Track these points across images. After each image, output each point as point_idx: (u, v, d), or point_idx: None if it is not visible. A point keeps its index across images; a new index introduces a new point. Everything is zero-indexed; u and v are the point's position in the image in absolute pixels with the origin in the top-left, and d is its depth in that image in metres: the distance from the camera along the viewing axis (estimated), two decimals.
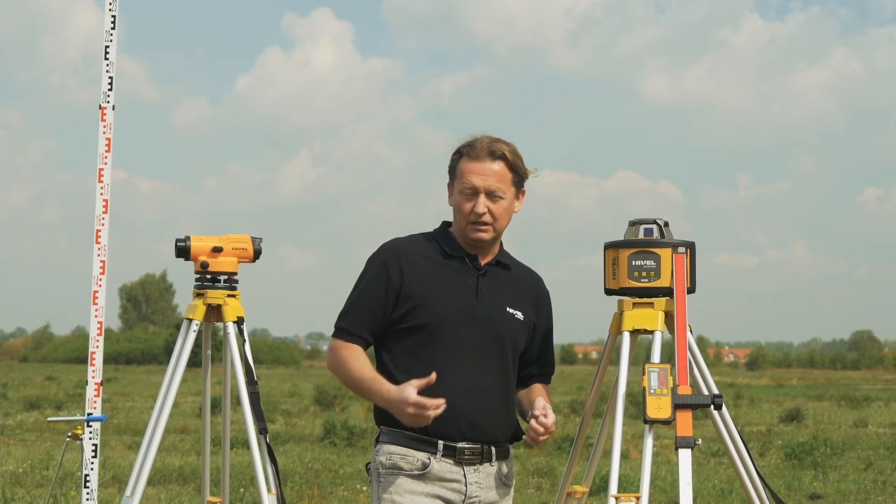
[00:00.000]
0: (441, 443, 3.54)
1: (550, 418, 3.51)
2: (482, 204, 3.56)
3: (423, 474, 3.53)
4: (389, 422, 3.59)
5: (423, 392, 3.43)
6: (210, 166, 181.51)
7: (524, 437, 3.56)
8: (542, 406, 3.53)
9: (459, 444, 3.54)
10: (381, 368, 3.61)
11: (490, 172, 3.57)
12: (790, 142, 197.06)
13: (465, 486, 3.56)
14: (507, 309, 3.64)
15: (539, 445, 3.57)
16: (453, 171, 3.66)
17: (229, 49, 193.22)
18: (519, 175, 3.63)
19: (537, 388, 3.75)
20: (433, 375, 3.41)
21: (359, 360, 3.57)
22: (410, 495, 3.52)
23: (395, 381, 3.55)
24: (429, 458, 3.53)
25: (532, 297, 3.73)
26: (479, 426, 3.56)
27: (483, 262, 3.65)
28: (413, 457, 3.54)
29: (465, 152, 3.61)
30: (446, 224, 3.73)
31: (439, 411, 3.39)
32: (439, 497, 3.54)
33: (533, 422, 3.51)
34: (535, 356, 3.76)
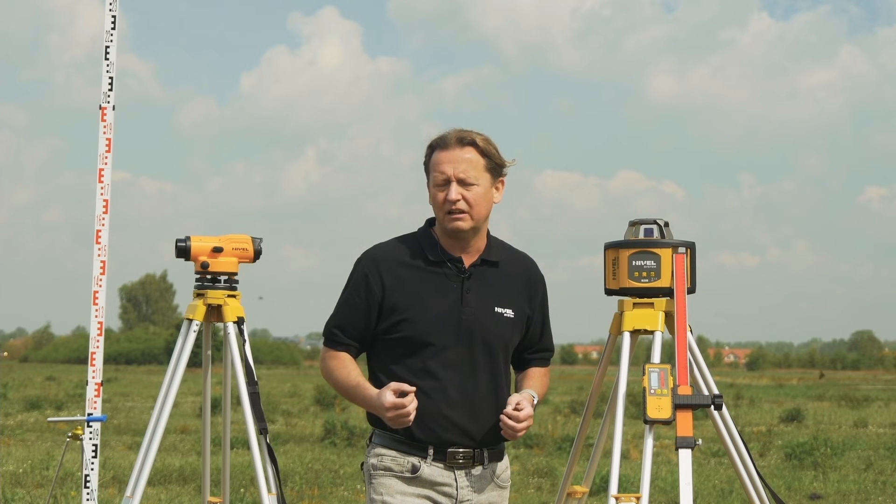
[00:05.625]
0: (432, 448, 3.53)
1: (524, 412, 3.47)
2: (454, 191, 3.52)
3: (413, 477, 3.53)
4: (381, 424, 3.59)
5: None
6: (215, 166, 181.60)
7: (501, 432, 3.52)
8: (516, 401, 3.49)
9: (451, 449, 3.53)
10: (373, 376, 3.63)
11: (460, 159, 3.54)
12: (795, 141, 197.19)
13: (456, 489, 3.54)
14: (496, 309, 3.59)
15: (515, 439, 3.54)
16: (427, 167, 3.63)
17: (235, 48, 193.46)
18: (493, 162, 3.58)
19: (531, 372, 3.72)
20: (412, 389, 3.43)
21: (346, 367, 3.59)
22: (402, 496, 3.52)
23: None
24: (419, 462, 3.53)
25: (525, 287, 3.68)
26: (470, 432, 3.54)
27: (468, 264, 3.61)
28: (404, 459, 3.54)
29: (435, 145, 3.59)
30: (430, 223, 3.69)
31: (414, 406, 3.41)
32: (429, 499, 3.54)
33: (504, 418, 3.47)
34: (532, 342, 3.73)
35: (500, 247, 3.70)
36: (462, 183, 3.53)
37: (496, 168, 3.60)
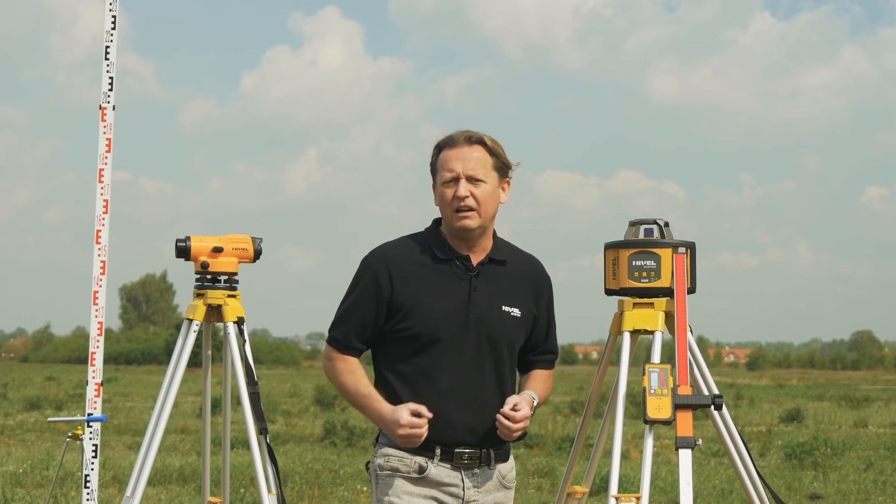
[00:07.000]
0: (439, 448, 3.53)
1: (520, 413, 3.48)
2: (464, 187, 3.53)
3: (420, 478, 3.53)
4: None
5: (416, 399, 3.49)
6: (216, 166, 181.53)
7: (497, 431, 3.53)
8: (514, 402, 3.50)
9: (457, 449, 3.54)
10: (379, 376, 3.63)
11: (469, 157, 3.55)
12: (796, 141, 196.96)
13: (463, 490, 3.55)
14: (503, 308, 3.60)
15: (512, 440, 3.55)
16: (434, 166, 3.63)
17: (236, 48, 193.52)
18: (500, 161, 3.59)
19: (534, 375, 3.72)
20: (429, 414, 3.46)
21: (355, 373, 3.60)
22: (409, 497, 3.52)
23: (391, 387, 3.58)
24: (426, 462, 3.53)
25: (532, 287, 3.69)
26: (476, 431, 3.55)
27: (476, 262, 3.61)
28: (411, 459, 3.53)
29: (443, 145, 3.61)
30: (437, 222, 3.68)
31: (426, 430, 3.44)
32: (436, 499, 3.53)
33: (500, 417, 3.48)
34: (537, 343, 3.73)
35: (506, 247, 3.71)
36: (471, 180, 3.54)
37: (503, 168, 3.61)
